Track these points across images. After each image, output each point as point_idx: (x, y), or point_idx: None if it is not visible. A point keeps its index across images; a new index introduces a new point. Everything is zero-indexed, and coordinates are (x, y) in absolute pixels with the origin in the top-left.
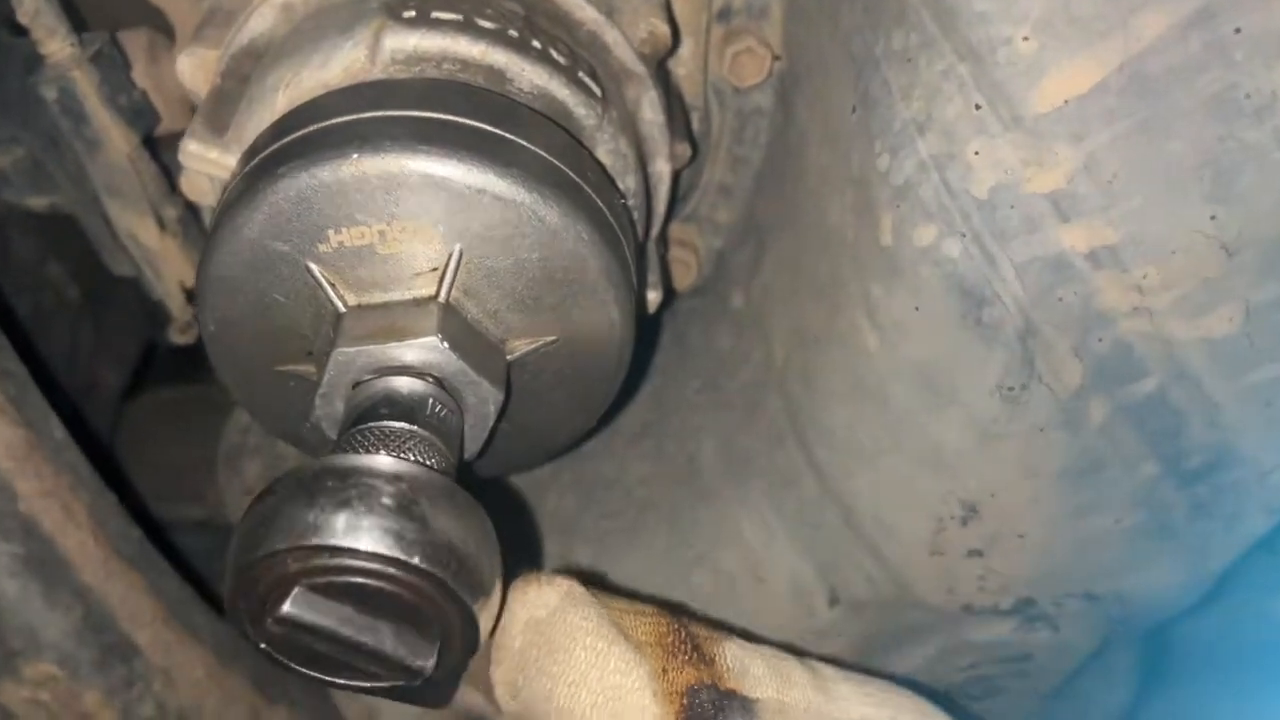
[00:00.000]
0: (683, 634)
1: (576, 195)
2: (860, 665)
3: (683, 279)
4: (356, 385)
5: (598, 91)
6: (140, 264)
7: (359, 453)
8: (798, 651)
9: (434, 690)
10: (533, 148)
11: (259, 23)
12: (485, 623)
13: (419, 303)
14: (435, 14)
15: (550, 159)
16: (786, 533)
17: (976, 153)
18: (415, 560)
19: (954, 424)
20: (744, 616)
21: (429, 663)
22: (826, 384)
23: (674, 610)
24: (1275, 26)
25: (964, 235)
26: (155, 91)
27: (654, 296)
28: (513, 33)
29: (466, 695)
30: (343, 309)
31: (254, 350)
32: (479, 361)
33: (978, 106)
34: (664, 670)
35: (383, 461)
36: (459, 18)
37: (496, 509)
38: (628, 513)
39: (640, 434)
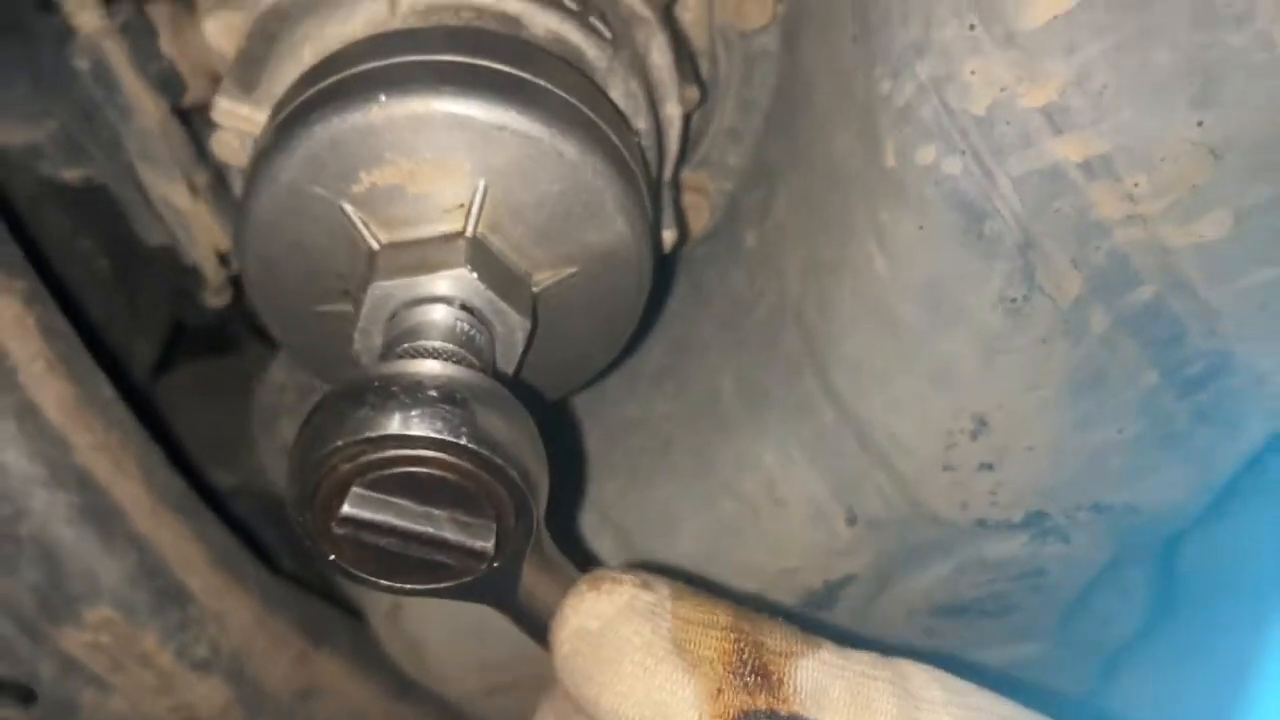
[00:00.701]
0: (750, 651)
1: (593, 131)
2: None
3: (696, 223)
4: (392, 318)
5: (608, 35)
6: (174, 229)
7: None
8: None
9: (498, 584)
10: (550, 87)
11: None
12: (537, 509)
13: (448, 238)
14: None
15: (567, 97)
16: (804, 458)
17: (973, 72)
18: (463, 441)
19: (961, 340)
20: (767, 538)
21: (489, 544)
22: (840, 311)
23: (757, 618)
24: None
25: (963, 153)
26: (181, 60)
27: (669, 235)
28: None
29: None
30: (376, 246)
31: (294, 291)
32: (506, 291)
33: (971, 27)
34: (719, 691)
35: (427, 364)
36: None
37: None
38: (654, 447)
39: (661, 375)
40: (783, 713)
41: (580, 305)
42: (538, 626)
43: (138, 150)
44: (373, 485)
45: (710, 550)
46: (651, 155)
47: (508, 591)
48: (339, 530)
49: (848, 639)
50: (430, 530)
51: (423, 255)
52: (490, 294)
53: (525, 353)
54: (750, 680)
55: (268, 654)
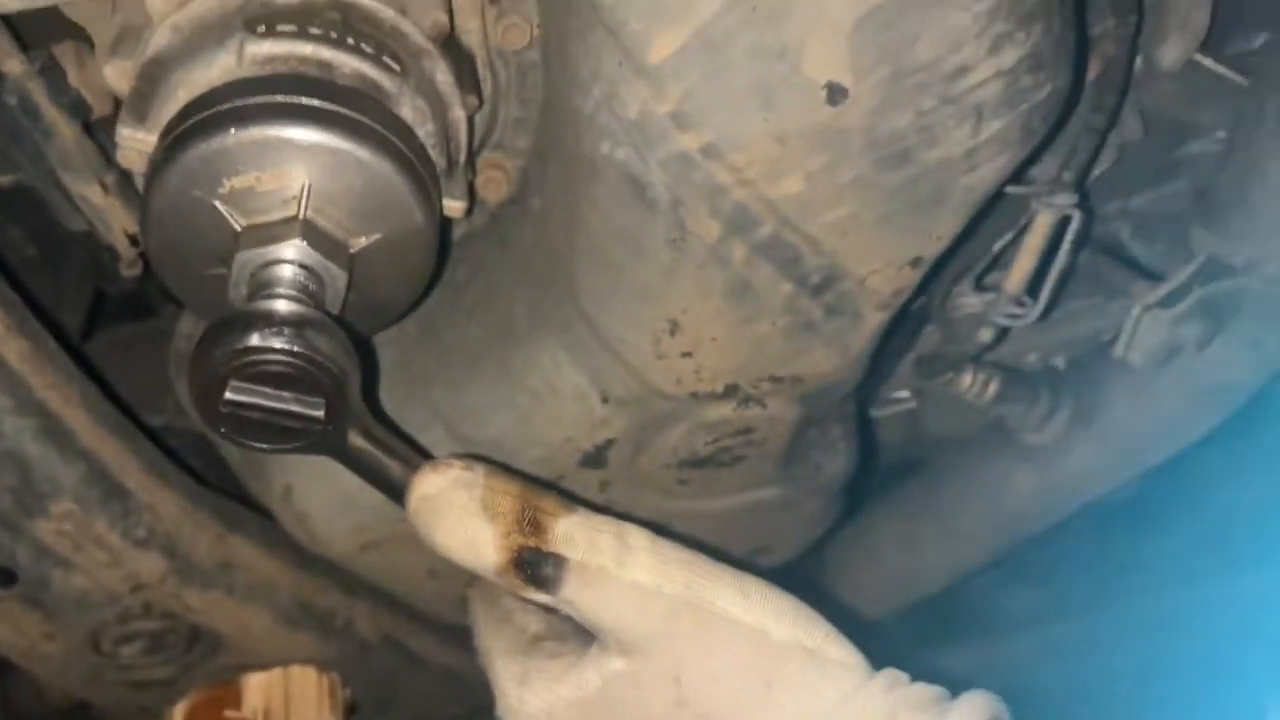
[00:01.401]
0: (529, 510)
1: (384, 140)
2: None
3: (496, 193)
4: (253, 276)
5: (397, 68)
6: (92, 219)
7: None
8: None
9: (334, 441)
10: (352, 114)
11: (159, 39)
12: (350, 390)
13: (287, 220)
14: (279, 27)
15: (365, 119)
16: (569, 359)
17: (625, 91)
18: (298, 348)
19: (649, 269)
20: (550, 419)
21: (321, 413)
22: (579, 254)
23: (538, 490)
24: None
25: (627, 145)
26: (85, 89)
27: (459, 205)
28: (333, 34)
29: None
30: (239, 228)
31: (186, 263)
32: (331, 254)
33: (620, 63)
34: (508, 533)
35: (278, 303)
36: (295, 28)
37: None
38: (468, 361)
39: (474, 309)
40: (544, 549)
41: (385, 262)
42: (377, 479)
43: (58, 161)
44: (244, 379)
45: (512, 431)
46: (440, 150)
47: (340, 446)
48: (224, 410)
49: (604, 511)
50: (285, 406)
51: (271, 232)
52: (319, 256)
53: (346, 296)
54: (528, 529)
55: (193, 535)
